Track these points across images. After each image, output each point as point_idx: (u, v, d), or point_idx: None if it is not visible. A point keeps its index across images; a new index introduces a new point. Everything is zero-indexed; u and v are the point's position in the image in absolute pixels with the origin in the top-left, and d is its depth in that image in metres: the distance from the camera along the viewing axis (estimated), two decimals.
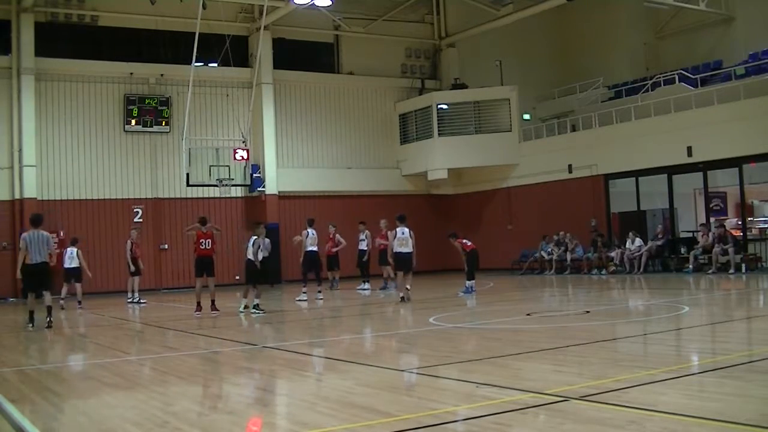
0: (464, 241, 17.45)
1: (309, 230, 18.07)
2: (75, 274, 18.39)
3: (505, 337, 10.27)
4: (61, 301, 18.14)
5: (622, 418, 5.08)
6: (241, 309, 14.98)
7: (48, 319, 13.49)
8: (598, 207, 25.11)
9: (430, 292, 18.67)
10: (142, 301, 19.24)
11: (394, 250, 15.87)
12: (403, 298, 15.48)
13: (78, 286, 18.42)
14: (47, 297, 13.52)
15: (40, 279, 13.46)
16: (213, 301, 15.18)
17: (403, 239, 15.65)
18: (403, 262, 15.72)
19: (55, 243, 15.56)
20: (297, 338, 11.57)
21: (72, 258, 18.34)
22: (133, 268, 19.15)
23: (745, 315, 11.98)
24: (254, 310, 14.45)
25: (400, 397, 6.25)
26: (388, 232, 19.44)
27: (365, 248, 20.30)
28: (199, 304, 15.10)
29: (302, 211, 26.47)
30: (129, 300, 19.22)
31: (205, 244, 15.27)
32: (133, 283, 19.29)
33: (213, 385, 7.51)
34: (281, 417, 6.09)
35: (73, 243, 18.73)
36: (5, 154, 23.52)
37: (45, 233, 13.49)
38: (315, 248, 18.11)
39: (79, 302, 18.20)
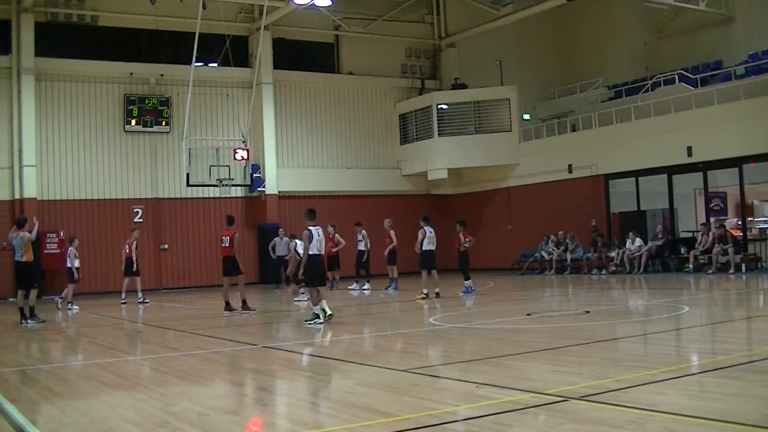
0: (466, 238, 17.39)
1: (296, 241, 18.17)
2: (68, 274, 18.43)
3: (505, 337, 10.26)
4: (58, 300, 18.25)
5: (622, 418, 5.08)
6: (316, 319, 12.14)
7: (24, 319, 14.13)
8: (598, 207, 25.11)
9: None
10: (145, 300, 19.29)
11: (424, 248, 16.67)
12: (438, 294, 16.34)
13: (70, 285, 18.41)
14: (32, 296, 14.29)
15: (22, 278, 14.47)
16: (228, 302, 15.15)
17: (431, 238, 16.69)
18: (432, 260, 16.72)
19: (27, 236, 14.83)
20: (297, 338, 11.57)
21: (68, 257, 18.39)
22: (135, 268, 19.14)
23: (745, 315, 11.98)
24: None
25: (400, 397, 6.25)
26: (392, 231, 19.63)
27: (363, 248, 20.32)
28: (227, 303, 15.13)
29: (302, 211, 26.39)
30: (123, 301, 19.17)
31: (224, 241, 15.25)
32: (136, 283, 19.31)
33: (213, 385, 7.51)
34: (281, 417, 6.09)
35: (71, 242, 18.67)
36: (5, 154, 23.51)
37: (21, 234, 14.33)
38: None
39: (62, 300, 18.19)
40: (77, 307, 17.73)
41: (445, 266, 26.44)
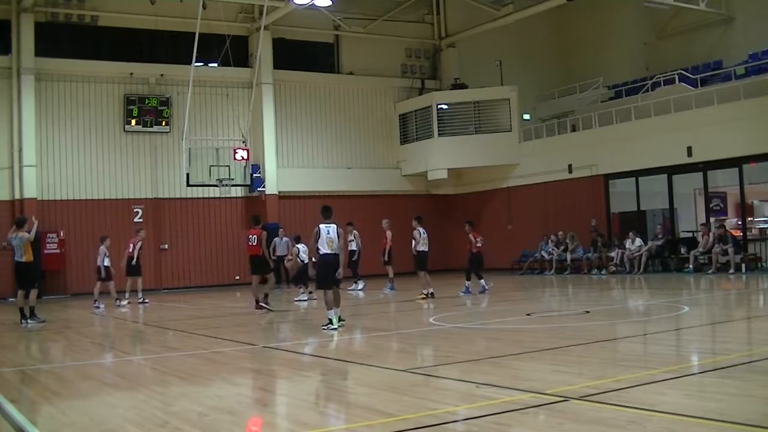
0: (476, 238, 17.30)
1: (298, 246, 18.16)
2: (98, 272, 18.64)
3: (505, 337, 10.27)
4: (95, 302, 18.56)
5: (622, 418, 5.08)
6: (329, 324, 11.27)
7: (24, 319, 14.21)
8: (598, 207, 25.10)
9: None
10: (145, 300, 19.30)
11: (419, 249, 16.71)
12: (432, 294, 16.31)
13: (108, 284, 18.62)
14: (32, 296, 14.36)
15: (22, 278, 14.52)
16: (257, 300, 15.09)
17: (425, 238, 16.75)
18: (426, 260, 16.79)
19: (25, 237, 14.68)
20: (297, 338, 11.57)
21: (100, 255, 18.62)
22: (134, 263, 19.12)
23: (745, 315, 11.98)
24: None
25: (400, 397, 6.25)
26: (388, 232, 19.62)
27: (355, 248, 20.30)
28: (257, 301, 15.09)
29: (302, 211, 26.50)
30: (128, 301, 19.14)
31: (252, 240, 15.22)
32: (137, 283, 19.32)
33: (213, 385, 7.51)
34: (281, 417, 6.09)
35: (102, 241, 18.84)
36: (5, 154, 23.51)
37: (20, 234, 14.39)
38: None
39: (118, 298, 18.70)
40: (103, 306, 17.99)
41: (450, 266, 26.70)
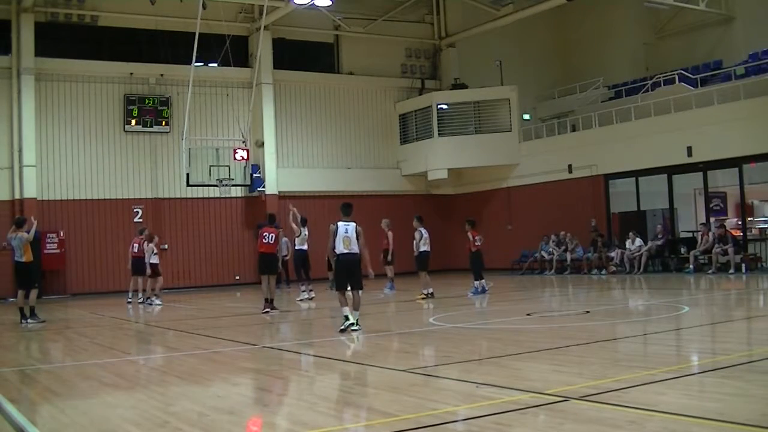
0: (475, 237, 17.24)
1: (303, 229, 18.15)
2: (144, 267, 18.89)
3: (505, 337, 10.26)
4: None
5: (622, 418, 5.08)
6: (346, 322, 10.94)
7: (24, 319, 14.25)
8: (598, 207, 25.10)
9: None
10: (146, 300, 19.23)
11: (421, 249, 16.81)
12: (432, 294, 16.35)
13: (150, 280, 18.90)
14: (32, 296, 14.42)
15: (22, 278, 14.59)
16: (271, 300, 15.00)
17: (426, 238, 16.86)
18: (428, 260, 16.90)
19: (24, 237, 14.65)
20: (297, 338, 11.57)
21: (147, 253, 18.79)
22: (150, 270, 19.06)
23: (745, 315, 11.98)
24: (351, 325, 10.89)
25: (400, 397, 6.25)
26: (390, 232, 19.59)
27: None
28: (266, 300, 15.02)
29: (302, 212, 26.41)
30: (140, 301, 19.06)
31: (268, 238, 15.06)
32: (138, 283, 19.27)
33: (213, 385, 7.51)
34: (281, 417, 6.09)
35: (150, 239, 19.03)
36: (5, 154, 23.52)
37: (20, 234, 14.45)
38: (304, 247, 18.14)
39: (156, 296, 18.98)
40: (160, 302, 18.42)
41: (450, 266, 26.68)
